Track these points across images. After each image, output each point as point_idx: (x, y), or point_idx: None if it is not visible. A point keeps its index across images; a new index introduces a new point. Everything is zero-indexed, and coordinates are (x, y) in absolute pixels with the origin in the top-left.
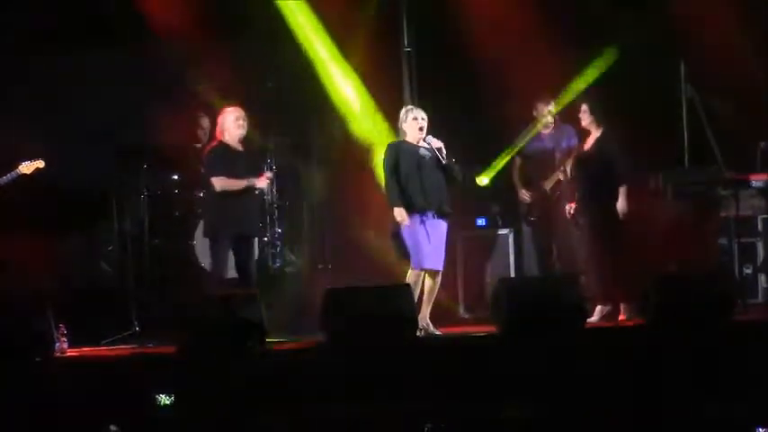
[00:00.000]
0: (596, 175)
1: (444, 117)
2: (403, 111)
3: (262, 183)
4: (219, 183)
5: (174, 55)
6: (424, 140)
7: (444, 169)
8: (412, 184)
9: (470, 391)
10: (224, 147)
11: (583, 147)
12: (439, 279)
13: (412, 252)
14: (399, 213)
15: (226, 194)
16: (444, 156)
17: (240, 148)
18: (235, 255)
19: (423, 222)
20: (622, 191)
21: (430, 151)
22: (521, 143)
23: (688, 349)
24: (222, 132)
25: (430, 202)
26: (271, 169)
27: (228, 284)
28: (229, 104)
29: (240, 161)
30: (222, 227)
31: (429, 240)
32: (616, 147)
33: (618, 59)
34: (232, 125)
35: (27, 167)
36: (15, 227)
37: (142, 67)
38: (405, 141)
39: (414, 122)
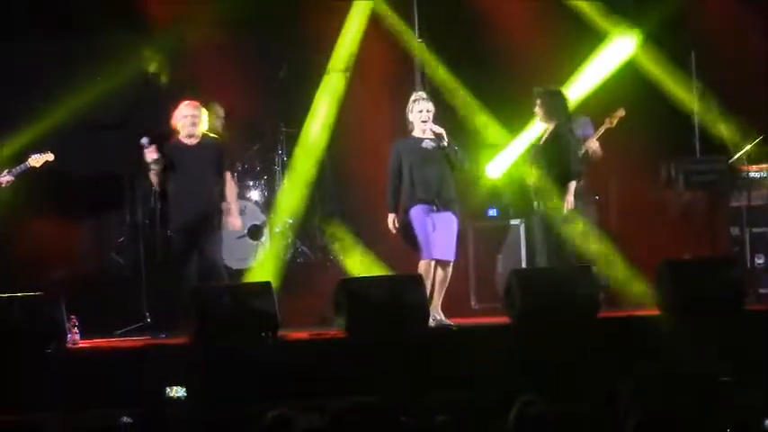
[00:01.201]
0: (550, 170)
1: (455, 108)
2: (410, 100)
3: (148, 156)
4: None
5: (185, 43)
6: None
7: (448, 157)
8: (415, 176)
9: (482, 382)
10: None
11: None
12: (450, 270)
13: (421, 243)
14: (390, 220)
15: (165, 190)
16: (446, 143)
17: (191, 142)
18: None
19: (428, 214)
20: (570, 186)
21: (434, 141)
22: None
23: (699, 337)
24: (174, 126)
25: (430, 194)
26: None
27: (232, 277)
28: (187, 98)
29: (188, 155)
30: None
31: (435, 230)
32: (570, 142)
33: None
34: (183, 121)
35: (36, 160)
36: (27, 217)
37: (154, 54)
38: (409, 137)
39: (418, 114)
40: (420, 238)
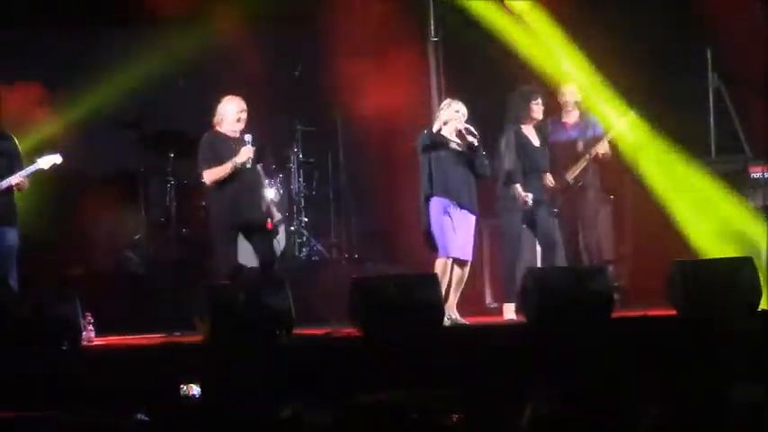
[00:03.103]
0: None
1: (471, 106)
2: (446, 101)
3: (242, 157)
4: (207, 176)
5: (200, 39)
6: (462, 131)
7: (472, 163)
8: (440, 173)
9: (496, 381)
10: (214, 136)
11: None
12: (467, 269)
13: (438, 240)
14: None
15: (217, 185)
16: (476, 148)
17: (236, 137)
18: (252, 246)
19: (446, 211)
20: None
21: (460, 145)
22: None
23: (717, 336)
24: (221, 122)
25: (452, 195)
26: (251, 144)
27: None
28: (230, 94)
29: (228, 147)
30: (216, 219)
31: (454, 229)
32: (499, 148)
33: (644, 46)
34: (232, 116)
35: (45, 162)
36: (43, 214)
37: (171, 51)
38: (438, 133)
39: (455, 114)
40: (437, 235)
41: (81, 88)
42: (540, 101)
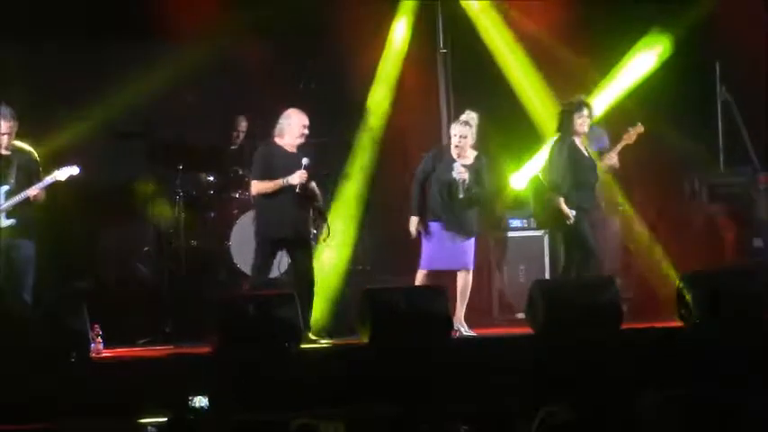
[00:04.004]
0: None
1: (480, 118)
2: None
3: (295, 179)
4: (255, 187)
5: (212, 54)
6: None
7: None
8: (439, 196)
9: (505, 392)
10: (269, 148)
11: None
12: (469, 279)
13: (422, 252)
14: (412, 223)
15: (264, 197)
16: (464, 189)
17: (292, 151)
18: (291, 259)
19: (430, 227)
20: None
21: (459, 174)
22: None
23: (726, 347)
24: (282, 135)
25: (451, 223)
26: (306, 167)
27: (267, 286)
28: (293, 107)
29: (284, 162)
30: (261, 230)
31: (432, 241)
32: (551, 158)
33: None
34: (297, 130)
35: (62, 174)
36: (52, 226)
37: (180, 65)
38: (446, 153)
39: (453, 138)
40: (423, 247)
41: (90, 101)
42: (584, 113)
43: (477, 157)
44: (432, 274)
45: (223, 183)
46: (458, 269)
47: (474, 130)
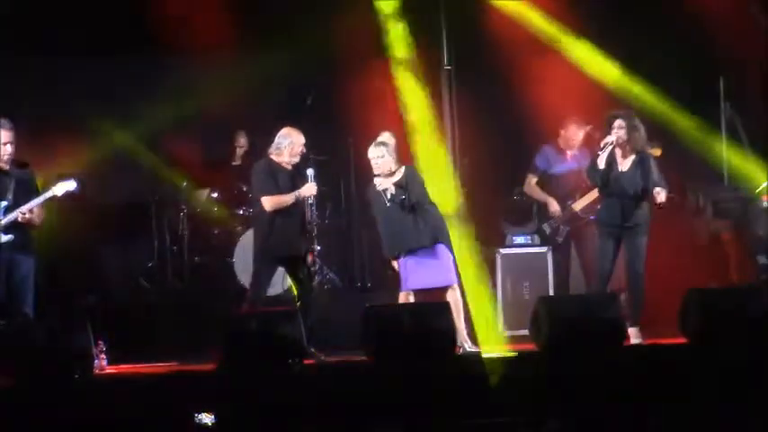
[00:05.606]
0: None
1: (483, 134)
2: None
3: (307, 191)
4: (270, 202)
5: (211, 70)
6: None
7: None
8: (386, 231)
9: (509, 409)
10: (271, 164)
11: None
12: (457, 296)
13: (400, 275)
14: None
15: (265, 214)
16: (390, 198)
17: (288, 168)
18: (291, 276)
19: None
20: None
21: (387, 194)
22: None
23: (730, 365)
24: (280, 153)
25: (404, 249)
26: (313, 179)
27: (267, 303)
28: (290, 125)
29: (284, 179)
30: (263, 247)
31: (405, 264)
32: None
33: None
34: (296, 149)
35: (59, 189)
36: (56, 242)
37: (180, 81)
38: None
39: (372, 162)
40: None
41: (93, 117)
42: (617, 124)
43: (404, 170)
44: (418, 296)
45: (226, 199)
46: (441, 287)
47: (390, 148)
